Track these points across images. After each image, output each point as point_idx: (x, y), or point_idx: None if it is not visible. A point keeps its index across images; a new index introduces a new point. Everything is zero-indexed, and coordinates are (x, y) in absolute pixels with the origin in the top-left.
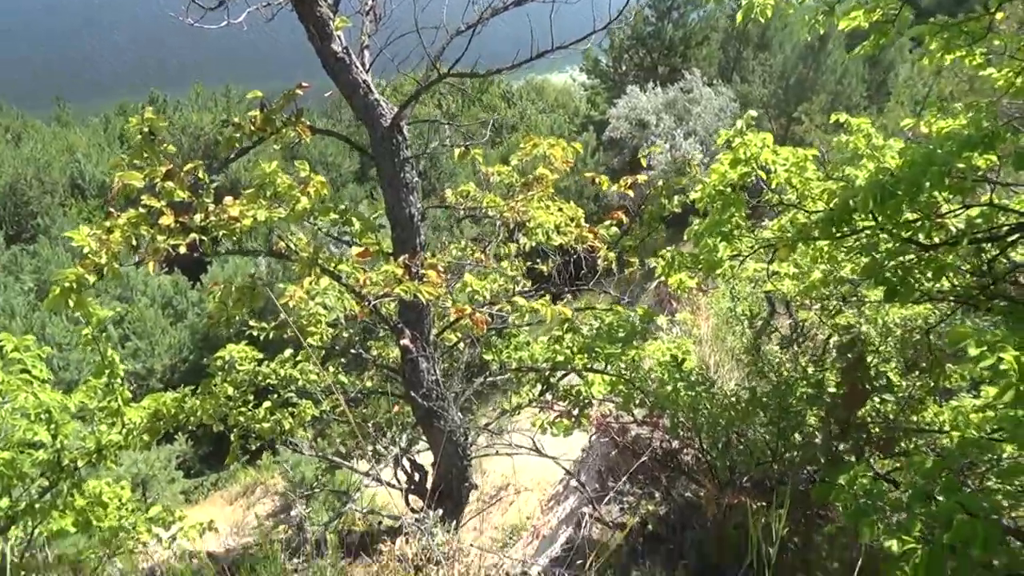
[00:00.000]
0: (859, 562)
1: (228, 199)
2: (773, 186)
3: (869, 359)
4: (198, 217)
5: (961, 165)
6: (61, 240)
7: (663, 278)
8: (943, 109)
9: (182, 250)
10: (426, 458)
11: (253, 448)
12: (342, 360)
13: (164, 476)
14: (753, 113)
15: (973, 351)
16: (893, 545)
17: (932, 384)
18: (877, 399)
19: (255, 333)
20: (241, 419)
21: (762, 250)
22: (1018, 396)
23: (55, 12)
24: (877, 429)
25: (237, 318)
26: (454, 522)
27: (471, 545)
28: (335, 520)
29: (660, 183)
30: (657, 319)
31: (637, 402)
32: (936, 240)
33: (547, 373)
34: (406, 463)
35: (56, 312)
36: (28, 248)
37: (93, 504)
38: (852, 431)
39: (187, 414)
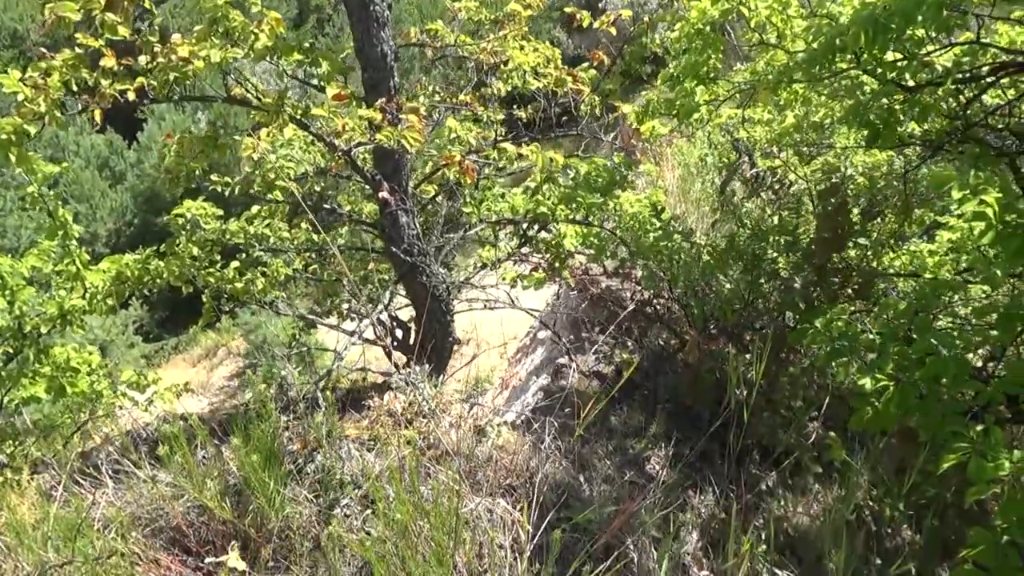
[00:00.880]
0: (824, 400)
1: (176, 37)
2: (753, 24)
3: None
4: (143, 59)
5: None
6: None
7: (633, 125)
8: None
9: (131, 96)
10: (404, 314)
11: (227, 310)
12: (310, 216)
13: (123, 341)
14: None
15: (956, 194)
16: (867, 383)
17: (897, 229)
18: (851, 244)
19: (219, 189)
20: (211, 280)
21: (738, 94)
22: (996, 236)
23: None
24: (854, 274)
25: (197, 172)
26: (440, 376)
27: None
28: (325, 376)
29: (645, 18)
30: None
31: (609, 253)
32: (921, 81)
33: (525, 226)
34: (387, 320)
35: None
36: None
37: (63, 370)
38: (828, 276)
39: (152, 276)
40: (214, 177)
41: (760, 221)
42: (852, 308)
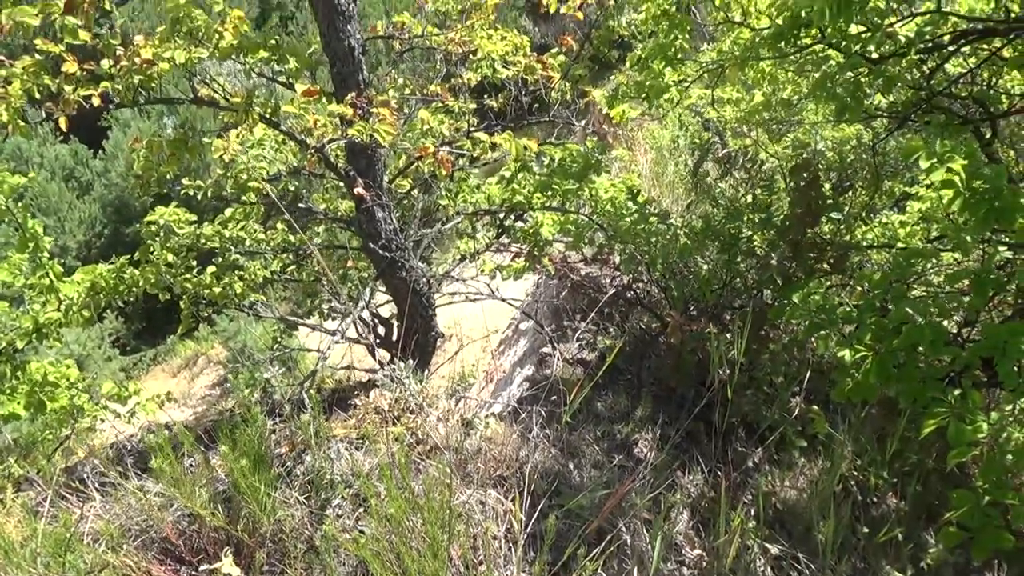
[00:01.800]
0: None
1: (139, 39)
2: (717, 3)
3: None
4: (106, 63)
5: None
6: None
7: (604, 110)
8: None
9: (95, 101)
10: (384, 311)
11: (205, 316)
12: (285, 216)
13: (100, 355)
14: None
15: (924, 163)
16: (846, 355)
17: (868, 201)
18: (824, 219)
19: (191, 193)
20: (188, 286)
21: (706, 74)
22: (965, 203)
23: None
24: (829, 249)
25: (169, 177)
26: (425, 371)
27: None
28: (310, 377)
29: (611, 2)
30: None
31: (586, 240)
32: (885, 53)
33: (502, 216)
34: (368, 317)
35: None
36: None
37: (42, 385)
38: (803, 252)
39: (128, 285)
40: (185, 181)
41: (734, 200)
42: (828, 282)
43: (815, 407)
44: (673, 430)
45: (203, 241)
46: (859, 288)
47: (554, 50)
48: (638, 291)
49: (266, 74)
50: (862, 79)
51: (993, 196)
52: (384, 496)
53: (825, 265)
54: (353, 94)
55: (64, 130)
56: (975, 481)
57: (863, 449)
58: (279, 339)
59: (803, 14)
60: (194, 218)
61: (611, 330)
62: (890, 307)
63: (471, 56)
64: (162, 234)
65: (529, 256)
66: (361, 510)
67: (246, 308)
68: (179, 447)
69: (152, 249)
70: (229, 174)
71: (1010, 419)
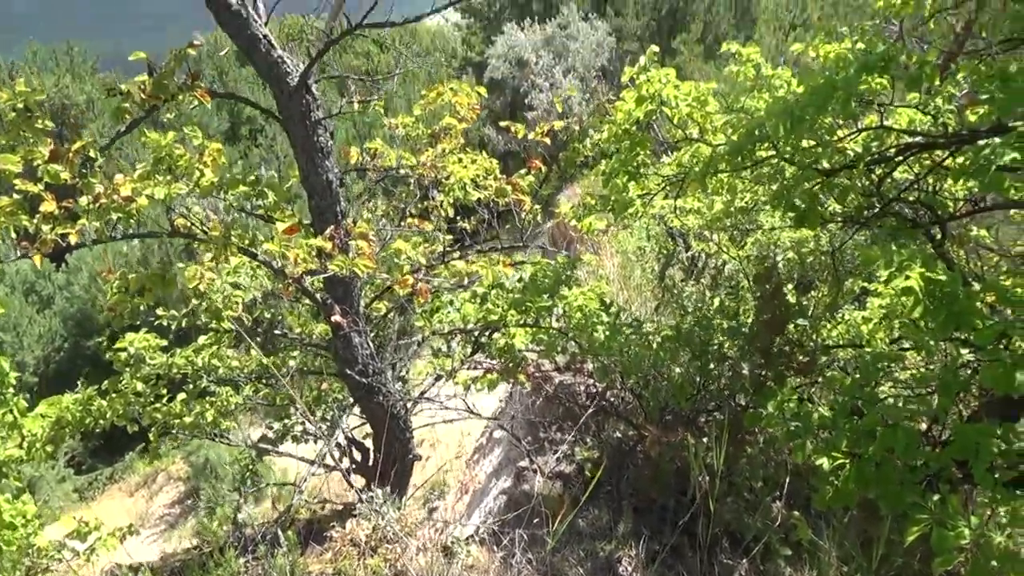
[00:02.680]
0: (785, 479)
1: (119, 177)
2: (675, 121)
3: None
4: (84, 200)
5: (863, 88)
6: None
7: (573, 222)
8: (830, 33)
9: (72, 239)
10: (358, 432)
11: (176, 444)
12: (258, 340)
13: (53, 476)
14: (655, 49)
15: (883, 273)
16: (824, 463)
17: (829, 302)
18: (791, 324)
19: (165, 323)
20: (158, 415)
21: (669, 186)
22: (925, 310)
23: None
24: (797, 353)
25: (143, 308)
26: (403, 497)
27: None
28: (284, 514)
29: (577, 127)
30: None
31: (559, 350)
32: (836, 165)
33: (477, 334)
34: (344, 442)
35: None
36: None
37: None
38: (773, 358)
39: (95, 417)
40: (160, 311)
41: (701, 303)
42: (798, 382)
43: (796, 512)
44: (657, 545)
45: (175, 370)
46: (832, 390)
47: (523, 171)
48: (612, 399)
49: (246, 209)
50: (816, 189)
51: (950, 302)
52: None
53: (794, 367)
54: (332, 227)
55: (39, 266)
56: None
57: (848, 555)
58: (251, 467)
59: (757, 131)
60: (164, 343)
61: (587, 440)
62: (863, 410)
63: (443, 180)
64: (132, 363)
65: (504, 370)
66: None
67: (216, 436)
68: None
69: (122, 379)
70: (203, 304)
71: (990, 524)
